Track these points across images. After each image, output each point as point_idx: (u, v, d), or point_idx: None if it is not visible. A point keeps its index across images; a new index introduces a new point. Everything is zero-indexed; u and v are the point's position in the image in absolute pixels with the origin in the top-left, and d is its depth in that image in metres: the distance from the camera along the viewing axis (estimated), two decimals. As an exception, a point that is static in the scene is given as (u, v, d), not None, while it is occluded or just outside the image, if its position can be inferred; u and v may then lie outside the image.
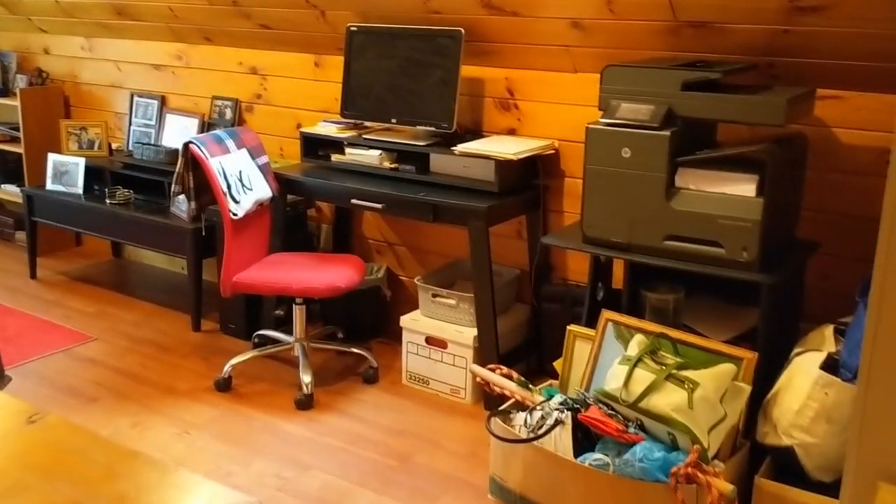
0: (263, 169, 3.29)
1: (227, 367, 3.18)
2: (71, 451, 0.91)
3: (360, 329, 3.63)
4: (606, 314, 2.45)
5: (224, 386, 3.18)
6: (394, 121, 3.31)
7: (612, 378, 2.23)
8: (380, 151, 3.27)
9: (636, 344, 2.29)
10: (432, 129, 3.21)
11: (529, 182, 3.17)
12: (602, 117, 2.43)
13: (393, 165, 3.26)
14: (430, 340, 3.19)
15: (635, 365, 2.19)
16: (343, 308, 3.57)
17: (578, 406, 2.27)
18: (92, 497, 0.82)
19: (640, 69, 2.40)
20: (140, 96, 4.38)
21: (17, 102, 4.56)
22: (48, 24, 4.63)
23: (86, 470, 0.87)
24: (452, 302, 3.15)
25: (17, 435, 0.95)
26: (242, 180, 3.14)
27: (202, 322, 3.76)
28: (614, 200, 2.42)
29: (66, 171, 4.22)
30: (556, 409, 2.25)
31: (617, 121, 2.38)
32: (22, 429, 0.97)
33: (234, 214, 3.05)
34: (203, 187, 3.16)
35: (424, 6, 3.16)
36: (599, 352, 2.45)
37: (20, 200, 4.64)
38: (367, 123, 3.45)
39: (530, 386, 2.52)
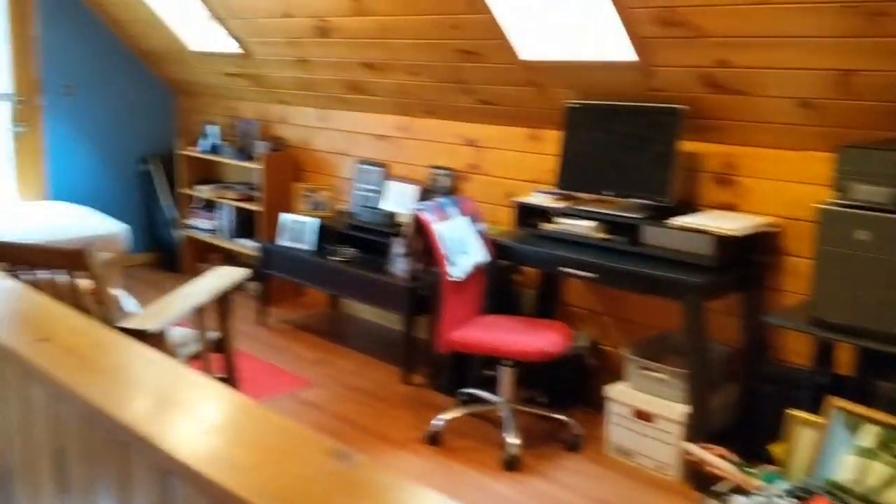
0: (481, 235, 3.47)
1: (437, 422, 3.34)
2: (382, 487, 1.05)
3: (561, 395, 3.68)
4: (835, 401, 2.36)
5: (434, 440, 3.33)
6: (607, 192, 3.39)
7: (843, 468, 2.14)
8: (592, 221, 3.36)
9: (870, 434, 2.19)
10: (647, 201, 3.26)
11: (747, 258, 3.12)
12: (836, 198, 2.39)
13: (604, 236, 3.33)
14: (637, 413, 3.19)
15: (870, 457, 2.09)
16: (546, 373, 3.65)
17: (804, 494, 2.19)
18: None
19: (880, 151, 2.35)
20: (365, 164, 4.75)
21: (257, 166, 5.09)
22: (288, 97, 5.15)
23: (395, 504, 1.00)
24: (662, 375, 3.14)
25: (331, 470, 1.10)
26: (462, 245, 3.33)
27: (411, 376, 3.96)
28: (848, 283, 2.36)
29: (298, 228, 4.64)
30: (780, 496, 2.19)
31: (853, 202, 2.33)
32: (331, 464, 1.11)
33: (453, 276, 3.23)
34: (426, 250, 3.38)
35: (645, 84, 3.25)
36: (825, 439, 2.36)
37: (251, 253, 5.14)
38: (579, 194, 3.56)
39: (748, 469, 2.46)
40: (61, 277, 2.73)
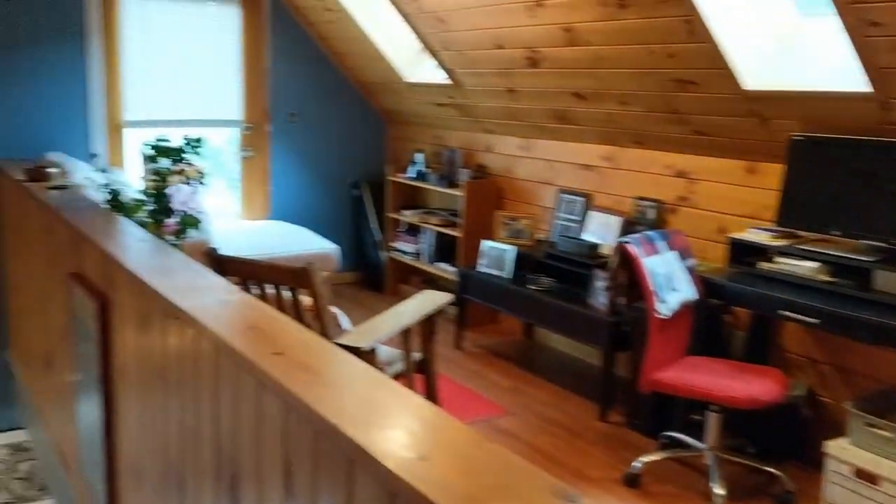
0: (689, 271, 3.33)
1: (637, 464, 3.22)
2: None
3: (771, 447, 3.43)
4: None
5: (633, 482, 3.21)
6: (834, 232, 3.15)
7: None
8: (816, 263, 3.13)
9: None
10: (881, 243, 2.99)
11: None
12: None
13: (829, 279, 3.08)
14: (859, 473, 2.91)
15: None
16: (755, 422, 3.42)
17: None
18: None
19: None
20: (567, 193, 4.73)
21: (460, 193, 5.20)
22: (493, 126, 5.24)
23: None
24: (892, 434, 2.84)
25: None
26: (670, 281, 3.21)
27: (608, 413, 3.86)
28: None
29: (497, 255, 4.68)
30: None
31: None
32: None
33: (660, 314, 3.11)
34: (631, 284, 3.29)
35: (882, 117, 2.99)
36: None
37: (450, 277, 5.25)
38: (801, 233, 3.33)
39: None
40: (283, 292, 2.92)
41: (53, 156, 4.50)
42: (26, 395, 4.32)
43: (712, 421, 3.16)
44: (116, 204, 3.12)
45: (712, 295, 3.39)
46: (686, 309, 3.31)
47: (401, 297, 5.82)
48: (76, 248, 2.86)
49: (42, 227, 3.49)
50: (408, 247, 5.83)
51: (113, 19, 5.25)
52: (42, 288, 3.62)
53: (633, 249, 3.16)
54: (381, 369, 2.87)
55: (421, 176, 5.68)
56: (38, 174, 3.81)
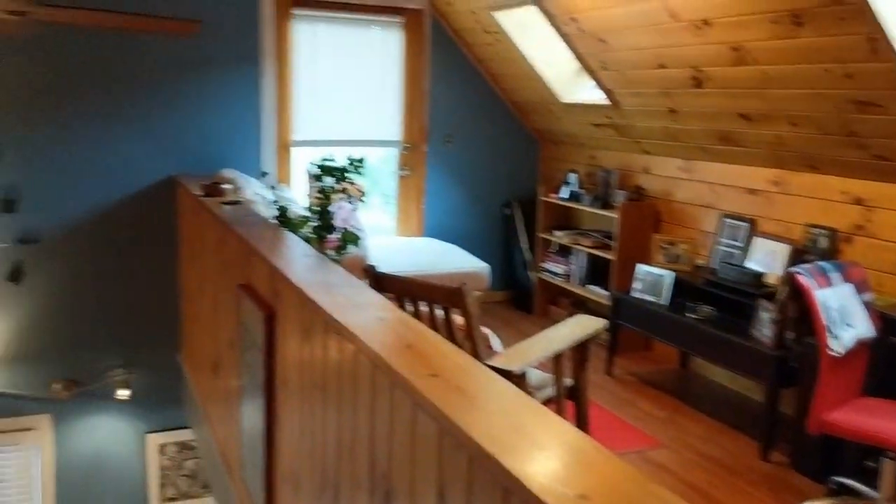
0: (866, 306, 3.09)
1: (802, 510, 3.01)
2: None
3: (959, 503, 3.11)
4: None
5: (797, 529, 3.01)
6: None
7: None
8: None
9: None
10: None
11: None
12: None
13: None
14: None
15: None
16: (940, 474, 3.11)
17: None
18: None
19: None
20: (730, 218, 4.52)
21: (614, 214, 5.09)
22: (652, 147, 5.10)
23: None
24: None
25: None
26: (844, 316, 2.99)
27: (770, 452, 3.63)
28: None
29: (652, 280, 4.54)
30: None
31: None
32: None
33: (833, 351, 2.90)
34: (800, 317, 3.09)
35: None
36: None
37: (602, 301, 5.14)
38: None
39: None
40: (436, 311, 2.94)
41: (228, 172, 4.79)
42: (194, 396, 4.60)
43: (888, 469, 2.91)
44: (284, 220, 3.27)
45: (892, 333, 3.13)
46: (862, 346, 3.07)
47: (549, 318, 5.79)
48: (246, 260, 3.02)
49: (215, 240, 3.72)
50: (558, 268, 5.77)
51: (285, 44, 5.54)
52: (213, 296, 3.85)
53: (805, 280, 2.97)
54: (530, 394, 2.84)
55: (574, 196, 5.61)
56: (213, 189, 4.07)
